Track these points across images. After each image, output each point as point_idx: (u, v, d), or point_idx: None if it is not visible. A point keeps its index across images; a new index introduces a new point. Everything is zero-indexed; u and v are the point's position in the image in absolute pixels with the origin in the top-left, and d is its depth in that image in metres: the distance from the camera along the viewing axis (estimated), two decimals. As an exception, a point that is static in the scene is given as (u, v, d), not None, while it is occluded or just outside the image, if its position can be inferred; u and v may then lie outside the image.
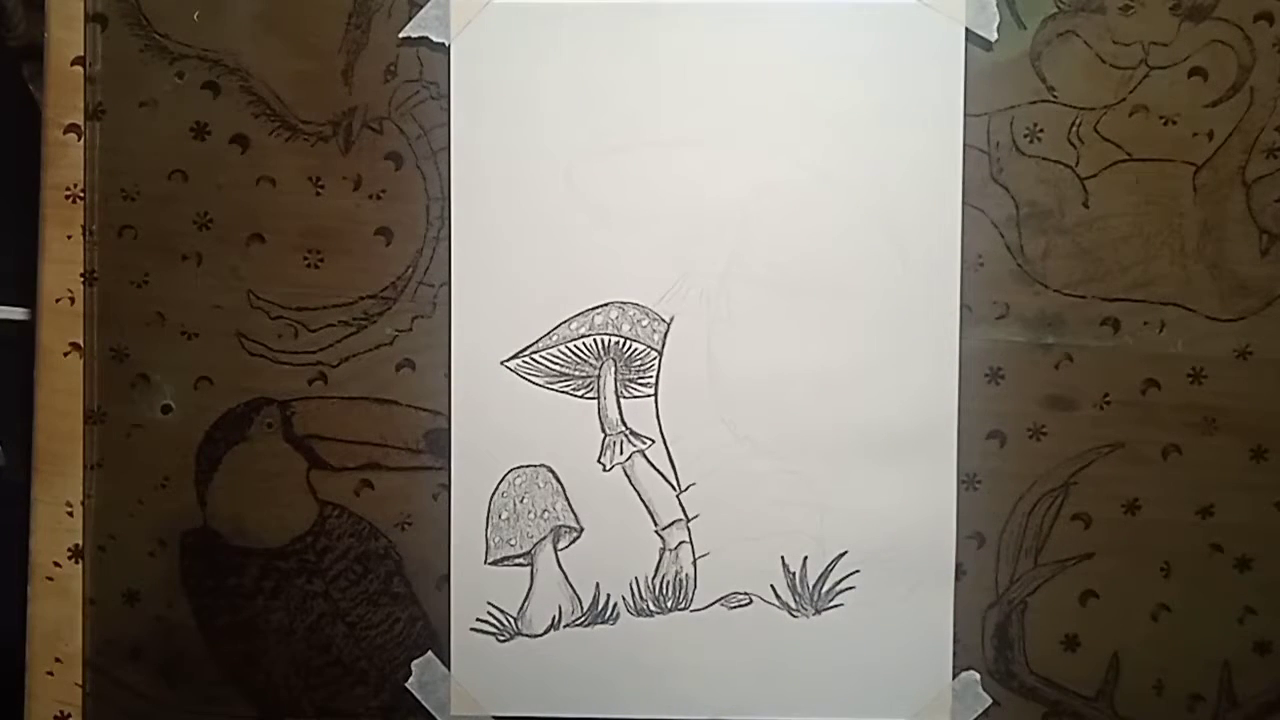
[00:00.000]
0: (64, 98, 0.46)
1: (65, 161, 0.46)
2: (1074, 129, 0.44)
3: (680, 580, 0.45)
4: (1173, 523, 0.45)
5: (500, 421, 0.45)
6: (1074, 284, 0.45)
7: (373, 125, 0.45)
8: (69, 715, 0.47)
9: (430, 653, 0.46)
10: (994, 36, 0.44)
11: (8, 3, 0.54)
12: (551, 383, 0.45)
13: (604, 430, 0.45)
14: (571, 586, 0.45)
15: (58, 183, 0.46)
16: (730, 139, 0.44)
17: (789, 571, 0.45)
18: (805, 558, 0.45)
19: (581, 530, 0.45)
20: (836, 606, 0.45)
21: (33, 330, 0.46)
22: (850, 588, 0.45)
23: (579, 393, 0.45)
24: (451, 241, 0.45)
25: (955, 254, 0.44)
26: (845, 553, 0.45)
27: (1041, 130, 0.44)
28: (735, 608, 0.45)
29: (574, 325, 0.45)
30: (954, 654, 0.45)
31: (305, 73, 0.45)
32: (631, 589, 0.45)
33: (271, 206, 0.45)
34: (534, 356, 0.45)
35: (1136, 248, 0.44)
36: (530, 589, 0.46)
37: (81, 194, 0.46)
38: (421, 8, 0.45)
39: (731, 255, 0.45)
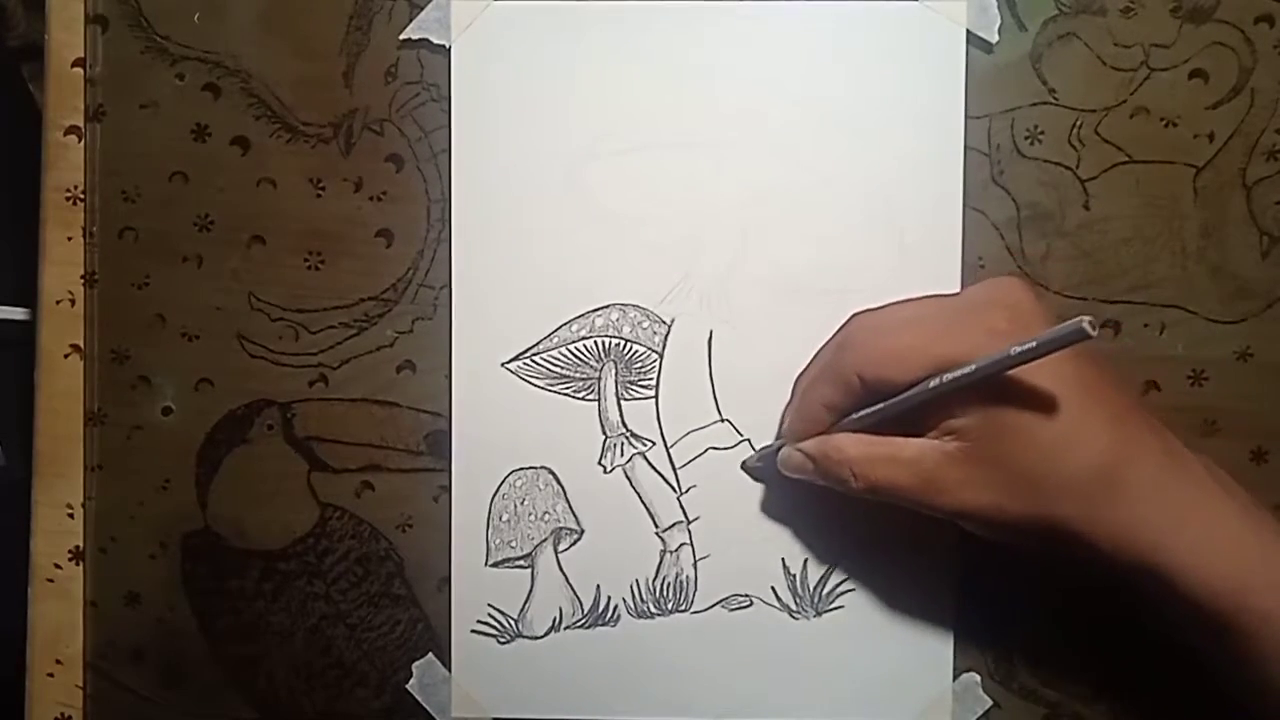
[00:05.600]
0: (64, 99, 0.46)
1: (66, 163, 0.46)
2: (1075, 131, 0.44)
3: (681, 582, 0.45)
4: (1173, 525, 0.45)
5: (501, 423, 0.45)
6: (1074, 286, 0.45)
7: (373, 127, 0.45)
8: (70, 717, 0.47)
9: (431, 655, 0.46)
10: (995, 38, 0.44)
11: (8, 3, 0.54)
12: (552, 385, 0.45)
13: (605, 432, 0.45)
14: (572, 588, 0.45)
15: (58, 184, 0.46)
16: (731, 141, 0.44)
17: (789, 573, 0.45)
18: (806, 560, 0.45)
19: (582, 532, 0.45)
20: (837, 608, 0.45)
21: (33, 332, 0.46)
22: (851, 589, 0.45)
23: (579, 395, 0.45)
24: (452, 243, 0.45)
25: (956, 256, 0.44)
26: (846, 554, 0.45)
27: (1042, 132, 0.44)
28: (736, 609, 0.45)
29: (574, 327, 0.45)
30: (954, 656, 0.45)
31: (306, 75, 0.45)
32: (632, 591, 0.45)
33: (272, 208, 0.45)
34: (534, 358, 0.45)
35: (1137, 250, 0.44)
36: (531, 591, 0.46)
37: (82, 195, 0.46)
38: (422, 10, 0.45)
39: (732, 257, 0.45)
